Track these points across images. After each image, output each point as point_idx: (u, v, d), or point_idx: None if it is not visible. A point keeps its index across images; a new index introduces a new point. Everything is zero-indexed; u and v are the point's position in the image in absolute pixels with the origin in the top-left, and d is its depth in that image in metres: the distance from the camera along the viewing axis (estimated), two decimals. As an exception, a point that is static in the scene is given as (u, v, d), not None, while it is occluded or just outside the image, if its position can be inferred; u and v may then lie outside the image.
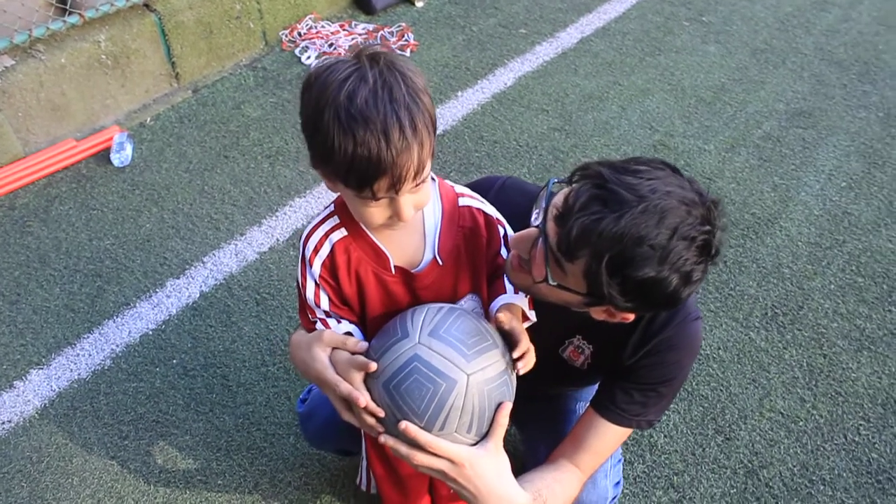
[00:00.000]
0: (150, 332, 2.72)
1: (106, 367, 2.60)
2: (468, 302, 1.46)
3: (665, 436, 2.41)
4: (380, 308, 1.45)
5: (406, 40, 4.31)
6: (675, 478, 2.30)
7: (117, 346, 2.67)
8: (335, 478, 2.31)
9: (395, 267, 1.41)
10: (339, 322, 1.45)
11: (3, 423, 2.45)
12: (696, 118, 3.80)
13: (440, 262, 1.42)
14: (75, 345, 2.68)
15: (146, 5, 3.68)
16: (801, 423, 2.45)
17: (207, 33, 3.91)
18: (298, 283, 1.47)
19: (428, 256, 1.42)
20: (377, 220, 1.27)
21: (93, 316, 2.77)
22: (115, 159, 3.43)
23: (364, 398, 1.30)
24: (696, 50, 4.32)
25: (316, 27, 4.34)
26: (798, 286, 2.91)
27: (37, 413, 2.48)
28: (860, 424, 2.46)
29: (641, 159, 1.28)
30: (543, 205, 1.31)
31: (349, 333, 1.44)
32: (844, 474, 2.32)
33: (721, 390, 2.54)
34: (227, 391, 2.53)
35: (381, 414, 1.31)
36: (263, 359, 2.62)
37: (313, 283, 1.43)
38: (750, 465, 2.34)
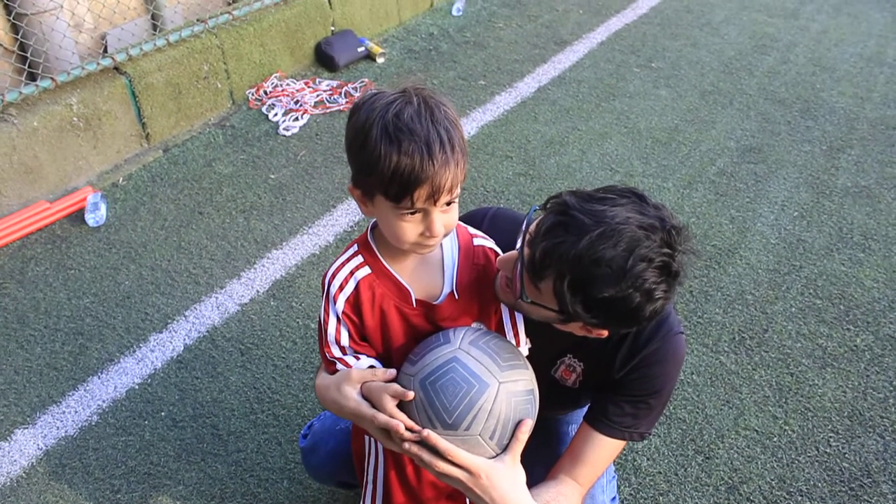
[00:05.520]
0: (136, 387, 2.73)
1: (93, 423, 2.61)
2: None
3: (648, 459, 2.49)
4: (402, 340, 1.53)
5: (370, 95, 4.45)
6: (661, 498, 2.38)
7: (103, 401, 2.68)
8: (331, 518, 2.34)
9: (416, 300, 1.51)
10: (357, 359, 1.52)
11: (-9, 484, 2.43)
12: (654, 158, 3.98)
13: (457, 296, 1.53)
14: (60, 402, 2.67)
15: (116, 68, 3.76)
16: (775, 439, 2.56)
17: (176, 94, 4.00)
18: (321, 320, 1.54)
19: (446, 290, 1.53)
20: (409, 235, 1.36)
21: (76, 373, 2.78)
22: (90, 219, 3.47)
23: (402, 426, 1.37)
24: (648, 94, 4.55)
25: (281, 85, 4.46)
26: (761, 311, 3.05)
27: (24, 472, 2.46)
28: (830, 437, 2.58)
29: (613, 188, 1.41)
30: (524, 229, 1.44)
31: (372, 367, 1.51)
32: (819, 484, 2.43)
33: (697, 412, 2.65)
34: (217, 440, 2.55)
35: (419, 431, 1.37)
36: (252, 407, 2.65)
37: (335, 320, 1.51)
38: (730, 481, 2.43)
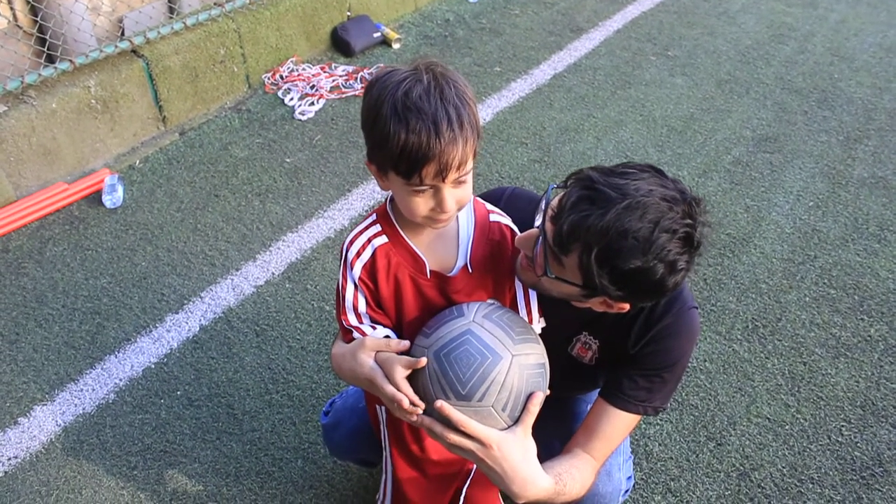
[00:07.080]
0: (153, 366, 2.76)
1: (110, 401, 2.64)
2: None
3: (659, 444, 2.51)
4: (415, 311, 1.56)
5: (386, 80, 4.45)
6: (672, 483, 2.40)
7: (120, 380, 2.71)
8: (345, 498, 2.36)
9: (430, 271, 1.53)
10: (374, 329, 1.54)
11: (10, 458, 2.47)
12: (669, 146, 3.97)
13: (470, 270, 1.54)
14: (78, 380, 2.71)
15: (134, 51, 3.78)
16: (787, 427, 2.57)
17: (193, 77, 4.02)
18: (339, 286, 1.57)
19: (460, 263, 1.55)
20: (422, 210, 1.39)
21: (94, 352, 2.81)
22: (107, 201, 3.50)
23: (406, 400, 1.39)
24: (664, 82, 4.53)
25: (297, 70, 4.47)
26: (775, 300, 3.05)
27: (43, 448, 2.50)
28: (842, 426, 2.58)
29: (630, 164, 1.42)
30: (543, 207, 1.45)
31: (387, 337, 1.53)
32: (831, 472, 2.44)
33: (710, 399, 2.66)
34: (232, 419, 2.58)
35: (422, 406, 1.40)
36: (266, 387, 2.68)
37: (353, 286, 1.53)
38: (742, 468, 2.44)
